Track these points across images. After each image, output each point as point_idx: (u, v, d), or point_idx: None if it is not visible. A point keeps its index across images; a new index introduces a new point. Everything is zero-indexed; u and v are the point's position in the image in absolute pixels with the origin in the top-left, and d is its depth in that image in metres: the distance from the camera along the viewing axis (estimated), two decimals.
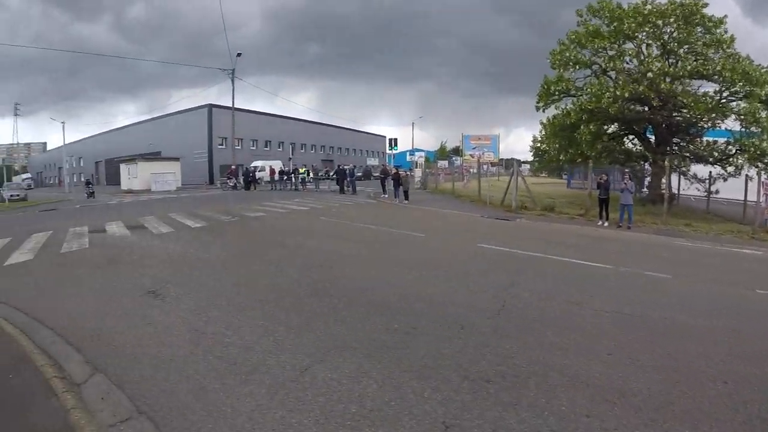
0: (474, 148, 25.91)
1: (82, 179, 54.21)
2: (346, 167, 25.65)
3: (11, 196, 29.49)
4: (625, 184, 11.99)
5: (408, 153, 42.85)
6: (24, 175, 62.75)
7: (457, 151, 49.10)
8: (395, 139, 32.03)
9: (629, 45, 16.70)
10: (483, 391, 3.22)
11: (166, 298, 5.73)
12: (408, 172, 21.77)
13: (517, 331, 4.40)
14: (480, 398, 3.14)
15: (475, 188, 20.74)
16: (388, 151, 38.51)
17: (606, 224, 12.20)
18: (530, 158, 35.22)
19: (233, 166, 33.00)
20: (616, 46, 16.55)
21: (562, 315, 4.83)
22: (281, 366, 3.82)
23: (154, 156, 40.27)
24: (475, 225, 12.73)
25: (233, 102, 34.53)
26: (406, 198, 18.71)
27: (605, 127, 17.36)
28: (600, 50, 16.59)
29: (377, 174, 32.34)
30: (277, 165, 33.12)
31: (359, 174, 32.34)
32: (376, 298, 5.53)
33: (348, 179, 23.74)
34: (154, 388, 3.67)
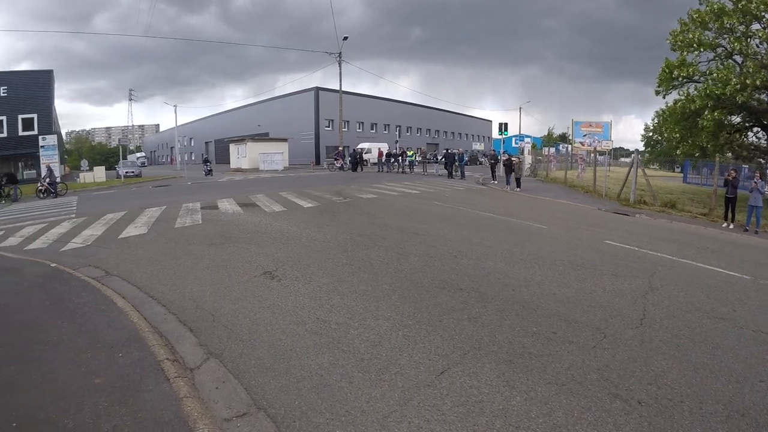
0: (584, 136, 30.61)
1: (192, 158, 64.76)
2: (454, 151, 29.41)
3: (126, 173, 37.81)
4: (755, 183, 12.83)
5: (514, 138, 45.31)
6: (138, 154, 77.81)
7: (564, 138, 57.31)
8: (505, 124, 35.43)
9: (756, 26, 17.83)
10: (635, 414, 3.43)
11: (283, 280, 6.41)
12: (520, 159, 24.62)
13: (664, 345, 4.70)
14: (633, 422, 3.33)
15: (588, 178, 24.05)
16: (495, 136, 44.24)
17: (731, 226, 13.27)
18: (640, 147, 40.42)
19: (340, 148, 39.21)
20: (742, 28, 17.78)
21: (708, 331, 5.12)
22: (415, 366, 4.08)
23: (262, 137, 50.05)
24: (595, 218, 13.99)
25: (340, 84, 41.32)
26: (518, 186, 21.57)
27: (730, 117, 19.12)
28: (725, 31, 18.02)
29: (482, 159, 40.81)
30: (383, 147, 38.74)
31: (467, 159, 37.42)
32: (508, 294, 6.03)
33: (457, 164, 27.51)
34: (273, 381, 3.99)
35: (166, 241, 9.63)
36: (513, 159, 22.56)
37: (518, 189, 21.25)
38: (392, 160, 34.11)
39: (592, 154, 28.50)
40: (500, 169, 24.61)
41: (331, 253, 7.91)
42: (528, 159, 32.77)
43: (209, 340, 4.59)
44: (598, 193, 20.28)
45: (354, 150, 38.57)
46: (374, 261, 7.32)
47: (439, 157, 33.49)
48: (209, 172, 35.58)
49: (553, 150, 45.56)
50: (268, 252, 8.09)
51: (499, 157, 26.85)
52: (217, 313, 5.28)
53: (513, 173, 21.70)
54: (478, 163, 46.42)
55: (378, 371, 3.96)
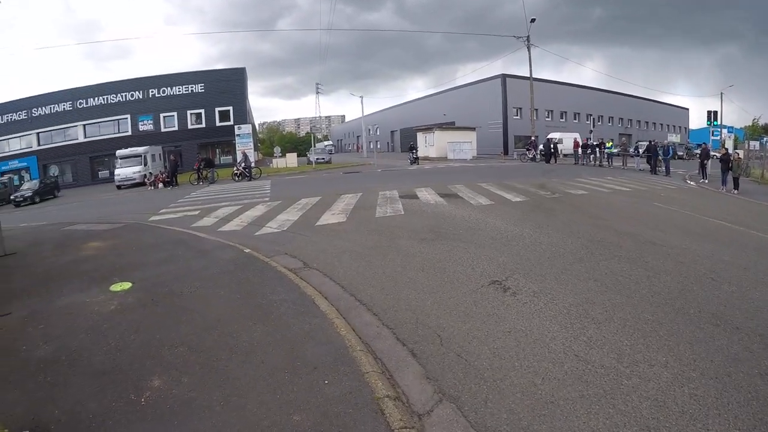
0: None
1: (378, 146, 69.60)
2: (658, 143, 29.28)
3: (317, 159, 42.69)
4: None
5: (712, 130, 37.80)
6: (326, 143, 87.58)
7: None
8: (714, 113, 32.51)
9: None
10: None
11: (518, 294, 6.02)
12: (739, 155, 23.42)
13: None
14: None
15: None
16: (692, 126, 38.87)
17: None
18: None
19: (533, 137, 40.12)
20: None
21: None
22: None
23: (449, 125, 53.97)
24: None
25: (530, 70, 41.85)
26: (736, 187, 20.42)
27: None
28: None
29: (680, 153, 40.71)
30: (577, 137, 39.60)
31: (680, 153, 39.10)
32: None
33: (661, 157, 27.51)
34: None
35: (368, 232, 9.77)
36: (732, 155, 21.34)
37: (736, 191, 20.06)
38: (589, 151, 34.09)
39: None
40: (709, 165, 24.24)
41: (565, 262, 7.48)
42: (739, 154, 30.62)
43: (439, 372, 4.17)
44: None
45: (547, 140, 38.90)
46: (620, 277, 6.77)
47: (641, 150, 32.65)
48: (415, 161, 37.33)
49: (756, 144, 42.10)
50: (490, 254, 7.82)
51: (712, 152, 25.73)
52: (445, 333, 4.89)
53: (730, 171, 20.57)
54: (676, 157, 43.57)
55: None
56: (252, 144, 44.05)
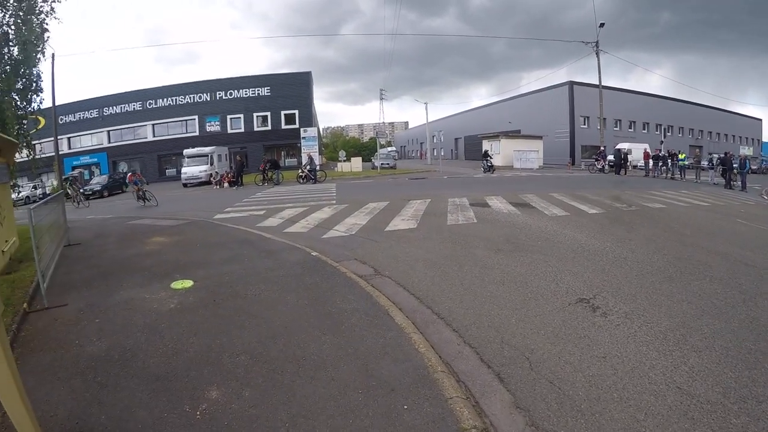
0: None
1: (442, 153, 69.79)
2: (733, 156, 28.75)
3: (382, 164, 43.40)
4: None
5: None
6: (389, 149, 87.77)
7: None
8: None
9: None
10: None
11: (609, 315, 5.79)
12: None
13: None
14: None
15: None
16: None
17: None
18: None
19: (602, 147, 39.75)
20: None
21: None
22: None
23: (514, 133, 53.53)
24: None
25: (600, 77, 41.28)
26: None
27: None
28: None
29: (755, 167, 38.70)
30: (645, 148, 39.08)
31: (754, 167, 38.48)
32: None
33: (737, 171, 27.00)
34: None
35: (442, 240, 9.52)
36: None
37: None
38: (660, 163, 33.76)
39: None
40: None
41: (654, 281, 7.15)
42: None
43: (531, 400, 3.85)
44: None
45: (617, 150, 38.09)
46: (714, 300, 6.42)
47: (715, 163, 31.71)
48: (490, 169, 36.26)
49: None
50: (573, 269, 7.57)
51: None
52: (534, 355, 4.59)
53: None
54: (750, 170, 41.98)
55: None
56: (317, 147, 44.78)
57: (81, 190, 28.76)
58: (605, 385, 4.05)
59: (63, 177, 31.05)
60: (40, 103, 10.92)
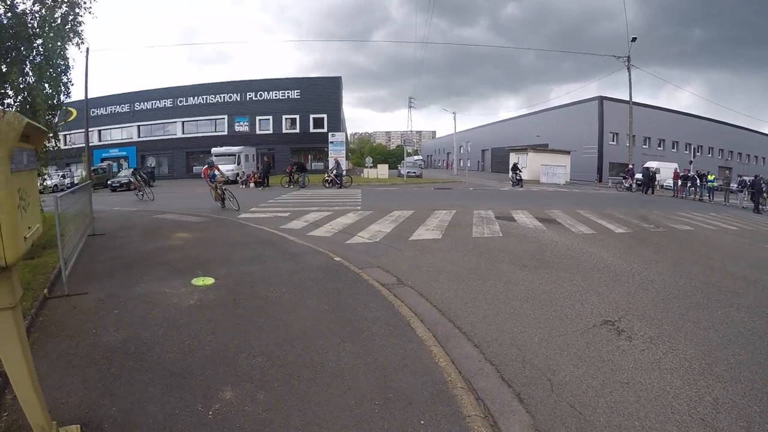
0: None
1: (468, 164, 69.53)
2: (764, 179, 28.35)
3: (408, 173, 43.57)
4: None
5: None
6: (416, 157, 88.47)
7: None
8: None
9: None
10: None
11: (634, 339, 5.74)
12: None
13: None
14: None
15: None
16: None
17: None
18: None
19: (630, 165, 39.79)
20: None
21: None
22: None
23: (542, 147, 53.53)
24: None
25: (630, 93, 41.22)
26: None
27: None
28: None
29: None
30: (674, 167, 38.99)
31: None
32: None
33: (766, 195, 26.98)
34: None
35: (466, 253, 9.48)
36: None
37: None
38: (689, 184, 33.70)
39: None
40: None
41: (681, 306, 7.14)
42: None
43: (550, 424, 3.76)
44: None
45: (646, 169, 37.95)
46: (741, 329, 6.33)
47: (746, 185, 31.39)
48: (518, 182, 35.84)
49: None
50: (599, 290, 7.53)
51: None
52: (555, 377, 4.53)
53: None
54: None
55: None
56: (344, 152, 45.00)
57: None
58: (627, 412, 3.98)
59: (92, 168, 31.73)
60: (69, 94, 11.09)
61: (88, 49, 27.47)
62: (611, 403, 4.09)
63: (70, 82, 10.60)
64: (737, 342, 5.81)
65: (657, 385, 4.51)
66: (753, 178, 29.57)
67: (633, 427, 3.76)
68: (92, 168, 32.40)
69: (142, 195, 21.00)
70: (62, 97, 10.36)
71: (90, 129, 32.86)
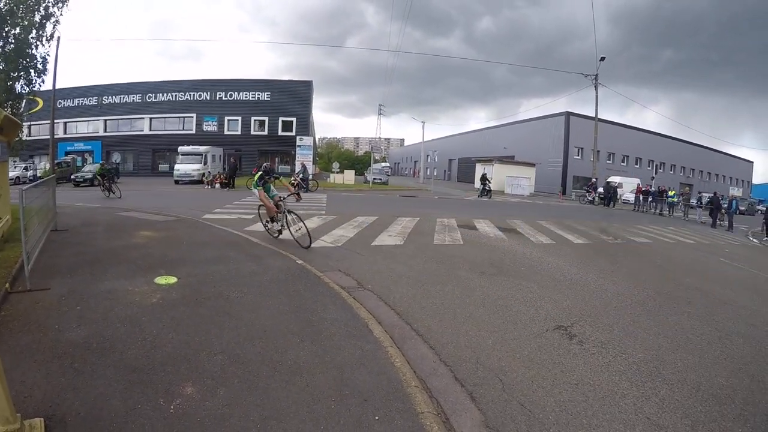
0: None
1: (435, 173, 70.09)
2: (722, 196, 29.51)
3: (375, 179, 43.99)
4: None
5: None
6: (383, 164, 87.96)
7: None
8: None
9: None
10: None
11: (585, 343, 5.89)
12: None
13: None
14: None
15: None
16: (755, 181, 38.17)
17: None
18: None
19: (593, 179, 41.09)
20: None
21: None
22: None
23: (508, 159, 54.83)
24: None
25: (596, 110, 42.89)
26: None
27: None
28: None
29: (743, 208, 40.20)
30: (637, 182, 41.26)
31: (742, 208, 39.73)
32: None
33: (724, 211, 28.06)
34: None
35: (427, 259, 9.61)
36: None
37: None
38: (650, 199, 35.35)
39: None
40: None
41: (633, 313, 7.36)
42: None
43: (500, 421, 3.91)
44: None
45: (608, 183, 40.06)
46: (690, 335, 6.65)
47: (704, 202, 33.65)
48: (487, 193, 35.60)
49: None
50: (554, 297, 7.70)
51: None
52: (507, 377, 4.67)
53: None
54: (738, 211, 45.16)
55: None
56: (312, 156, 44.91)
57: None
58: (576, 410, 4.11)
59: (56, 161, 30.89)
60: (41, 84, 10.83)
61: (59, 38, 26.78)
62: (560, 402, 4.23)
63: (44, 71, 10.33)
64: (686, 347, 6.04)
65: (605, 386, 4.67)
66: (713, 194, 30.76)
67: (581, 425, 3.90)
68: (56, 161, 31.53)
69: (109, 193, 20.55)
70: (32, 87, 10.11)
71: (56, 120, 31.87)
